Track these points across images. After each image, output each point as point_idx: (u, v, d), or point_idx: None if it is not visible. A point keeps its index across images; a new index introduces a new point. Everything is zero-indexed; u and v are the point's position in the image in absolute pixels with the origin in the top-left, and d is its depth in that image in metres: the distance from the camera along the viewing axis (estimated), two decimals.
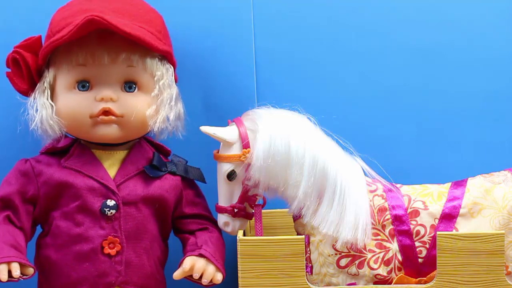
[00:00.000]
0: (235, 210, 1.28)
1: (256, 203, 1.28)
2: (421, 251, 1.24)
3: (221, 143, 1.28)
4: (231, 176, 1.26)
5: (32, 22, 1.42)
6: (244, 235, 1.29)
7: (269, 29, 1.46)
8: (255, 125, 1.26)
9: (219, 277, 1.26)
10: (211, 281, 1.25)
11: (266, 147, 1.24)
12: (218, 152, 1.28)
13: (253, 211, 1.29)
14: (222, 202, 1.29)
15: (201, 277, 1.25)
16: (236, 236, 1.26)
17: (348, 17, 1.46)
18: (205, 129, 1.27)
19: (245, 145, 1.26)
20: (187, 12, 1.45)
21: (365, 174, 1.28)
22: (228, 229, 1.29)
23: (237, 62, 1.46)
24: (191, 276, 1.26)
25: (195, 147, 1.40)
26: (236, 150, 1.27)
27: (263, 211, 1.31)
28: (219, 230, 1.33)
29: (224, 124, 1.30)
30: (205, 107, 1.46)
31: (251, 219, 1.30)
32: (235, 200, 1.28)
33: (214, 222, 1.33)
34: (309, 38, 1.46)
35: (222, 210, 1.28)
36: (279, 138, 1.24)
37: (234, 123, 1.28)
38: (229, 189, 1.28)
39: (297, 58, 1.46)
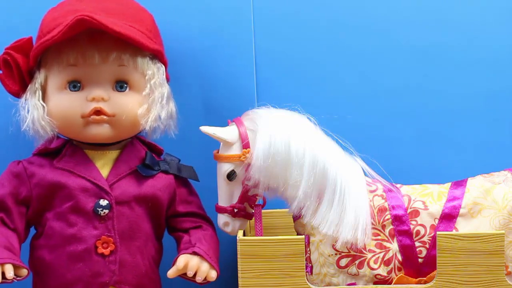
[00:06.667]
0: (235, 210, 1.27)
1: (256, 203, 1.28)
2: (421, 251, 1.24)
3: (221, 143, 1.28)
4: (231, 176, 1.26)
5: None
6: (244, 235, 1.29)
7: (269, 29, 1.46)
8: (255, 125, 1.26)
9: (213, 275, 1.26)
10: (205, 278, 1.25)
11: (266, 147, 1.24)
12: (218, 152, 1.28)
13: (253, 211, 1.29)
14: (222, 202, 1.29)
15: (195, 275, 1.25)
16: (236, 236, 1.26)
17: (348, 17, 1.46)
18: (205, 129, 1.27)
19: (245, 145, 1.26)
20: (187, 12, 1.45)
21: (365, 174, 1.28)
22: (228, 229, 1.29)
23: (237, 62, 1.46)
24: (185, 274, 1.26)
25: (194, 147, 1.40)
26: (236, 150, 1.27)
27: (263, 211, 1.32)
28: (213, 227, 1.33)
29: (224, 124, 1.30)
30: (205, 107, 1.46)
31: (251, 219, 1.30)
32: (235, 200, 1.28)
33: (208, 220, 1.34)
34: (309, 38, 1.46)
35: (222, 210, 1.28)
36: (279, 138, 1.24)
37: (234, 123, 1.28)
38: (229, 189, 1.28)
39: (297, 58, 1.46)
